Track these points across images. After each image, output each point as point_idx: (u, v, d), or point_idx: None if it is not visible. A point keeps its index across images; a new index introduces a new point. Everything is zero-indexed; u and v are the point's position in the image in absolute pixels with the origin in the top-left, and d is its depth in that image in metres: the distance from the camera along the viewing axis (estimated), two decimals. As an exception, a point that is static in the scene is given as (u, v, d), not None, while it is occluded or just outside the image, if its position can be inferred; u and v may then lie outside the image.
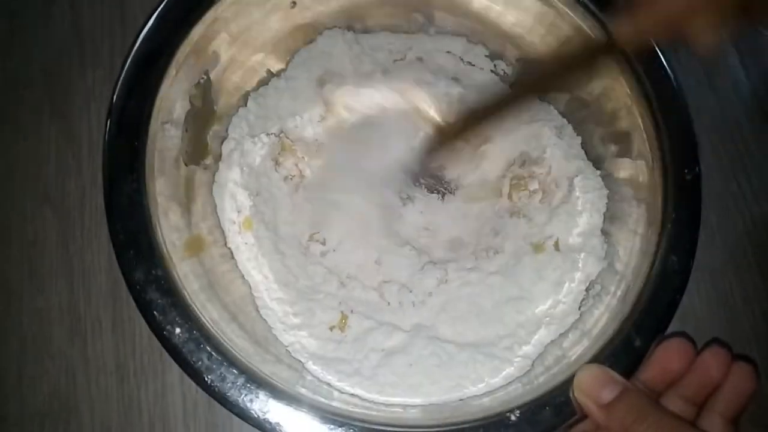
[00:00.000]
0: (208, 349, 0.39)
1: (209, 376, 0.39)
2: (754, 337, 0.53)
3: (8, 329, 0.50)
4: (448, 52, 0.55)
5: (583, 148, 0.53)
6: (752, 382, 0.40)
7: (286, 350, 0.46)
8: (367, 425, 0.39)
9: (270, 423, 0.39)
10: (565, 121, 0.54)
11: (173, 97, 0.46)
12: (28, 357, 0.49)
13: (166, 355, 0.40)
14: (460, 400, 0.45)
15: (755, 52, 0.60)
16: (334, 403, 0.41)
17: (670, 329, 0.43)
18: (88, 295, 0.51)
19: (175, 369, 0.49)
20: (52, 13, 0.56)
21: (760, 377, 0.41)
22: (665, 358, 0.41)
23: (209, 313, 0.42)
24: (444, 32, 0.56)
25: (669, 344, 0.42)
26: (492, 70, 0.56)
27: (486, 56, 0.56)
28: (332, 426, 0.39)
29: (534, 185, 0.53)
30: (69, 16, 0.56)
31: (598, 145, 0.52)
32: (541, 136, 0.53)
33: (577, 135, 0.53)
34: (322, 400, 0.41)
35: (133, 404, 0.49)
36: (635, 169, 0.48)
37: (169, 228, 0.43)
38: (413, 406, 0.45)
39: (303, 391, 0.41)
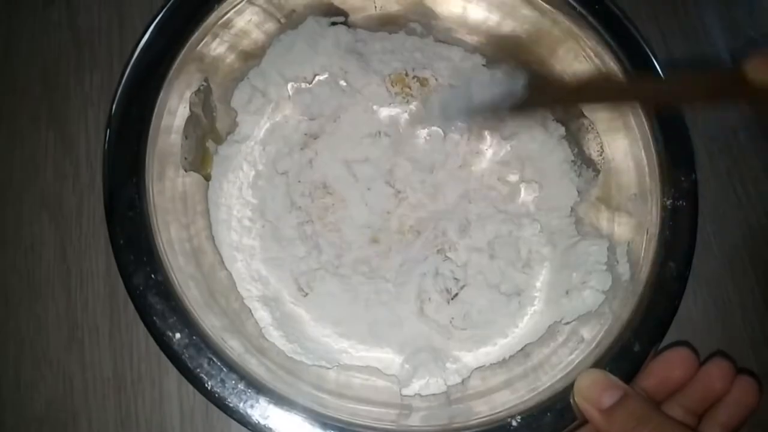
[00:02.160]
0: (209, 354, 0.39)
1: (209, 382, 0.39)
2: (751, 345, 0.53)
3: (5, 335, 0.49)
4: (445, 60, 0.56)
5: (580, 156, 0.53)
6: (755, 396, 0.41)
7: (286, 354, 0.46)
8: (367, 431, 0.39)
9: (270, 429, 0.38)
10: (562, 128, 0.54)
11: (173, 105, 0.46)
12: (26, 363, 0.49)
13: (164, 362, 0.40)
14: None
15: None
16: (335, 411, 0.41)
17: (668, 337, 0.43)
18: (86, 301, 0.50)
19: (172, 376, 0.49)
20: (49, 18, 0.56)
21: (762, 388, 0.41)
22: (668, 367, 0.42)
23: (208, 318, 0.42)
24: (441, 41, 0.56)
25: (672, 354, 0.42)
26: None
27: (483, 65, 0.56)
28: (333, 432, 0.39)
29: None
30: (66, 21, 0.56)
31: (595, 153, 0.52)
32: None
33: (574, 142, 0.54)
34: (323, 405, 0.41)
35: (130, 412, 0.49)
36: (632, 176, 0.49)
37: (169, 234, 0.43)
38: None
39: (304, 397, 0.41)
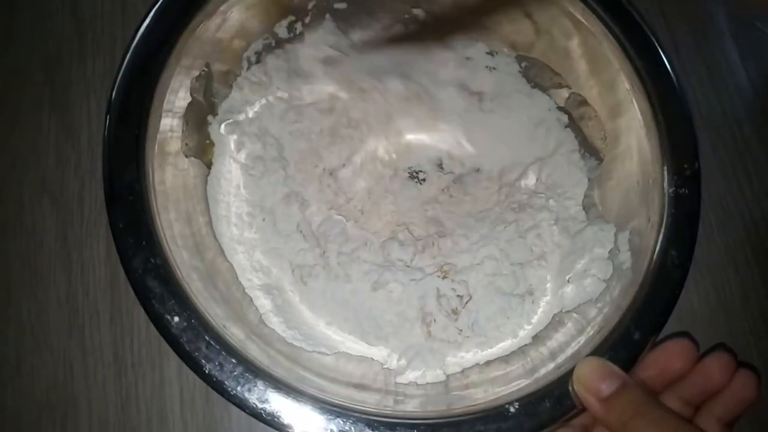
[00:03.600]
0: (207, 338, 0.39)
1: (207, 366, 0.39)
2: (752, 336, 0.54)
3: (6, 320, 0.50)
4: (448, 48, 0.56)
5: (583, 144, 0.53)
6: (754, 391, 0.40)
7: (285, 340, 0.46)
8: (365, 416, 0.39)
9: (268, 413, 0.38)
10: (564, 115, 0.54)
11: (174, 90, 0.46)
12: (26, 348, 0.49)
13: (164, 347, 0.40)
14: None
15: (755, 51, 0.61)
16: (333, 396, 0.41)
17: (669, 326, 0.42)
18: (87, 287, 0.51)
19: (173, 361, 0.49)
20: (51, 3, 0.56)
21: (762, 383, 0.41)
22: (667, 358, 0.41)
23: (208, 303, 0.42)
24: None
25: (672, 344, 0.42)
26: (492, 67, 0.56)
27: (487, 53, 0.56)
28: (330, 416, 0.39)
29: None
30: (69, 7, 0.56)
31: (599, 140, 0.52)
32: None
33: (578, 130, 0.54)
34: (321, 390, 0.41)
35: (130, 396, 0.49)
36: (635, 163, 0.48)
37: (169, 219, 0.43)
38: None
39: (301, 381, 0.41)
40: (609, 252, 0.48)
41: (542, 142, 0.54)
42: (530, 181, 0.54)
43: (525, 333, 0.49)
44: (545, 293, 0.51)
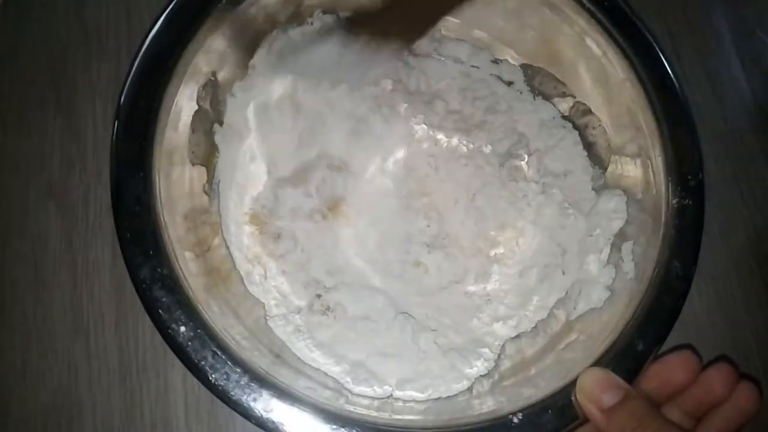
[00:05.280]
0: (213, 347, 0.39)
1: (213, 375, 0.39)
2: (755, 344, 0.54)
3: (12, 324, 0.50)
4: (453, 57, 0.56)
5: (587, 151, 0.53)
6: (756, 403, 0.41)
7: (289, 347, 0.47)
8: (368, 425, 0.39)
9: (273, 422, 0.39)
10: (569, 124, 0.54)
11: (180, 98, 0.46)
12: (32, 353, 0.49)
13: (168, 353, 0.40)
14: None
15: (757, 59, 0.61)
16: (337, 403, 0.41)
17: (672, 336, 0.43)
18: (92, 291, 0.51)
19: (177, 367, 0.49)
20: (57, 8, 0.56)
21: (763, 392, 0.41)
22: (669, 371, 0.42)
23: (214, 312, 0.42)
24: (450, 37, 0.56)
25: (674, 357, 0.42)
26: (497, 75, 0.56)
27: (492, 62, 0.56)
28: (335, 426, 0.39)
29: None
30: (74, 12, 0.56)
31: (602, 150, 0.52)
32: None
33: (581, 140, 0.54)
34: (325, 400, 0.41)
35: (135, 402, 0.49)
36: (639, 174, 0.49)
37: (176, 228, 0.43)
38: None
39: (306, 391, 0.41)
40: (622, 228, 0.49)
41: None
42: (530, 172, 0.54)
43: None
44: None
